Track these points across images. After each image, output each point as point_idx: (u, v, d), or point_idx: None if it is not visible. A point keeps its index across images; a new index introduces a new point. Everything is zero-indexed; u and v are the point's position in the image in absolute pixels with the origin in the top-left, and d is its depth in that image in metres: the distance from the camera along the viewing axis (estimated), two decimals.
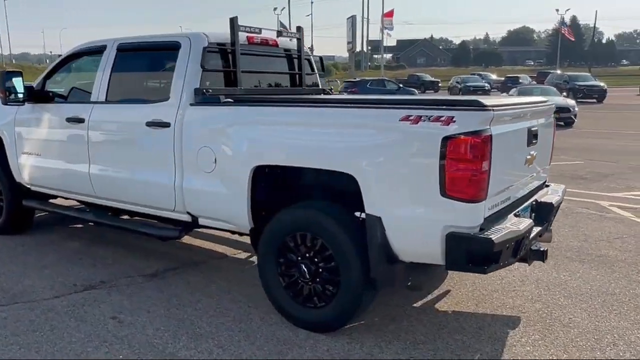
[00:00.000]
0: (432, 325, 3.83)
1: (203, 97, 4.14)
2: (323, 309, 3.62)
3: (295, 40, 5.15)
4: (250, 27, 4.59)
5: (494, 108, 3.08)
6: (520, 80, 39.62)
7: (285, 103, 3.98)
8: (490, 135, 3.03)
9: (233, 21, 4.39)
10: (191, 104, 4.14)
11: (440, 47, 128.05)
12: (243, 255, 5.34)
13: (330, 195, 3.80)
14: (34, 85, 5.25)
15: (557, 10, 55.79)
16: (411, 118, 3.13)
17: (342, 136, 3.39)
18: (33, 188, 5.55)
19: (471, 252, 3.08)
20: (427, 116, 3.09)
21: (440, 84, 46.58)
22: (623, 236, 5.99)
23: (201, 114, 4.09)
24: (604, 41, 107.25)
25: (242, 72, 4.46)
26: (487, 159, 3.03)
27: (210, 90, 4.20)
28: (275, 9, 56.75)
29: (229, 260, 5.19)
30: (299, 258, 3.67)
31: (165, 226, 4.62)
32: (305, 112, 3.64)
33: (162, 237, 4.65)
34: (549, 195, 4.20)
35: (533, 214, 3.96)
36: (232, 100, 4.09)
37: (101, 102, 4.73)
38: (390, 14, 40.27)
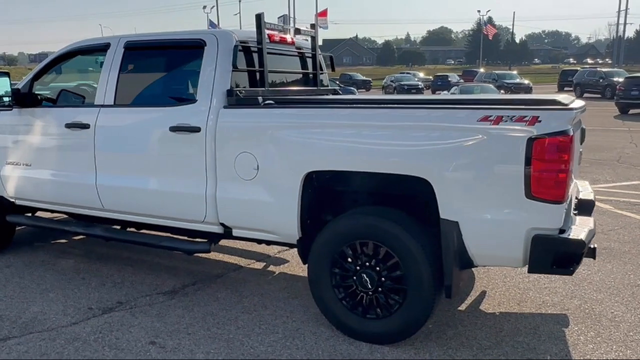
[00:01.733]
0: (489, 329, 3.77)
1: (237, 99, 3.86)
2: (387, 320, 3.46)
3: (300, 38, 4.94)
4: (273, 24, 4.33)
5: (573, 108, 3.04)
6: (449, 79, 40.95)
7: (342, 105, 3.77)
8: (573, 135, 2.99)
9: (260, 18, 4.13)
10: (225, 107, 3.84)
11: (365, 46, 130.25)
12: (258, 265, 5.07)
13: (387, 201, 3.63)
14: (20, 88, 4.71)
15: (479, 11, 58.28)
16: (491, 119, 3.03)
17: (414, 139, 3.24)
18: (18, 202, 4.99)
19: (558, 254, 3.03)
20: (508, 116, 3.00)
21: (372, 83, 47.22)
22: (615, 228, 6.21)
23: (239, 117, 3.80)
24: (517, 41, 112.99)
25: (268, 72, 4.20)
26: (571, 159, 2.99)
27: (244, 92, 3.92)
28: (204, 7, 55.54)
29: (248, 272, 4.89)
30: (358, 267, 3.48)
31: (191, 240, 4.27)
32: (371, 114, 3.45)
33: (190, 252, 4.30)
34: (585, 192, 4.25)
35: (577, 211, 3.99)
36: (273, 102, 3.83)
37: (109, 106, 4.31)
38: (324, 13, 40.32)
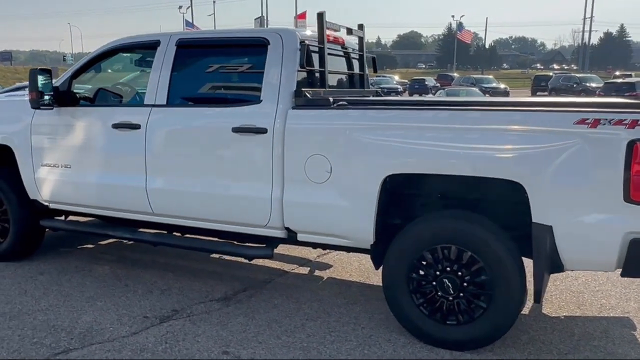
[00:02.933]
0: (560, 333, 3.74)
1: (306, 100, 3.75)
2: (469, 326, 3.39)
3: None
4: (330, 24, 4.23)
5: None
6: (426, 83, 41.37)
7: (424, 106, 3.69)
8: None
9: (321, 17, 4.03)
10: (293, 107, 3.73)
11: None
12: (302, 270, 4.95)
13: (465, 204, 3.58)
14: (58, 86, 4.49)
15: (453, 16, 59.07)
16: (588, 121, 3.00)
17: (507, 142, 3.18)
18: (53, 206, 4.76)
19: None
20: (606, 119, 2.98)
21: None
22: None
23: (310, 119, 3.69)
24: (486, 46, 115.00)
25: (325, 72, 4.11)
26: None
27: (311, 92, 3.81)
28: (180, 7, 54.84)
29: (295, 277, 4.77)
30: (438, 272, 3.41)
31: (251, 245, 4.12)
32: (459, 116, 3.37)
33: (251, 257, 4.16)
34: None
35: None
36: (346, 103, 3.74)
37: (161, 106, 4.14)
38: (303, 15, 40.18)
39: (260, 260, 5.07)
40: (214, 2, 62.69)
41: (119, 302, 4.16)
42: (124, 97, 4.83)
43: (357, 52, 4.93)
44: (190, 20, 52.73)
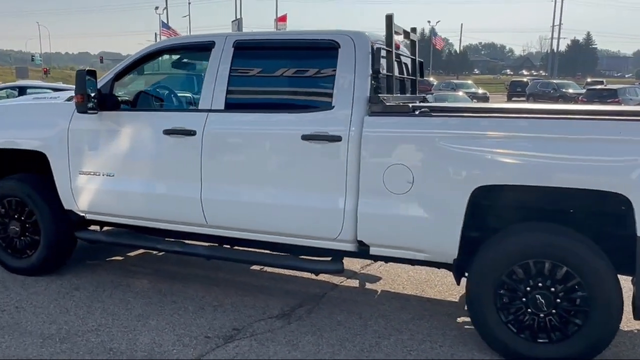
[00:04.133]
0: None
1: (384, 107, 3.56)
2: (563, 343, 3.24)
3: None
4: (397, 27, 4.06)
5: None
6: None
7: (516, 114, 3.53)
8: None
9: (391, 19, 3.84)
10: (370, 114, 3.53)
11: None
12: (351, 282, 4.74)
13: (552, 217, 3.43)
14: (100, 88, 4.19)
15: (429, 21, 59.66)
16: None
17: (610, 152, 3.05)
18: (89, 216, 4.45)
19: None
20: None
21: None
22: None
23: (390, 126, 3.50)
24: (459, 52, 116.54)
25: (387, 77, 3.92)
26: None
27: (387, 98, 3.63)
28: (156, 8, 53.95)
29: (347, 291, 4.56)
30: (529, 288, 3.26)
31: (316, 259, 3.90)
32: (563, 125, 3.23)
33: (319, 272, 3.94)
34: None
35: None
36: (428, 110, 3.56)
37: (218, 111, 3.89)
38: (283, 18, 39.99)
39: (305, 273, 4.86)
40: (189, 3, 61.79)
41: (172, 320, 3.88)
42: (165, 101, 4.55)
43: (409, 56, 4.76)
44: (166, 21, 51.89)
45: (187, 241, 4.30)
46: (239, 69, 3.91)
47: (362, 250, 3.69)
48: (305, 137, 3.60)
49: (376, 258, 3.79)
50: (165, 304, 4.17)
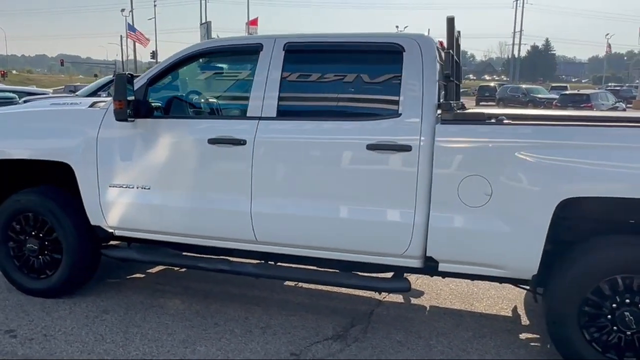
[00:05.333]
0: None
1: (455, 115, 3.36)
2: None
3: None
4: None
5: None
6: None
7: (605, 123, 3.37)
8: None
9: (452, 22, 3.64)
10: (442, 122, 3.33)
11: None
12: (394, 298, 4.50)
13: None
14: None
15: (397, 27, 59.98)
16: None
17: None
18: (119, 233, 4.10)
19: None
20: None
21: None
22: None
23: (464, 135, 3.29)
24: None
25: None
26: None
27: (456, 105, 3.43)
28: (122, 10, 52.75)
29: (393, 307, 4.33)
30: (615, 305, 3.10)
31: (380, 277, 3.66)
32: None
33: (385, 290, 3.71)
34: None
35: None
36: (504, 118, 3.37)
37: (270, 119, 3.62)
38: (255, 21, 39.60)
39: (342, 289, 4.60)
40: (155, 5, 60.68)
41: (222, 345, 3.58)
42: (201, 108, 4.25)
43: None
44: (134, 25, 50.82)
45: (232, 258, 3.99)
46: (291, 74, 3.65)
47: (430, 267, 3.47)
48: (371, 147, 3.37)
49: (444, 274, 3.57)
50: (207, 326, 3.85)
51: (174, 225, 3.88)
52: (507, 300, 4.49)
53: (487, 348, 3.63)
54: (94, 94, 12.72)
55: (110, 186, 3.95)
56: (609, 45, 53.21)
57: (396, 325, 3.96)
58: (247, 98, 3.76)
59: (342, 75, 3.61)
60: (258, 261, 3.90)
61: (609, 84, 59.37)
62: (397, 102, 3.41)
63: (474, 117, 3.39)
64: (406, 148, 3.32)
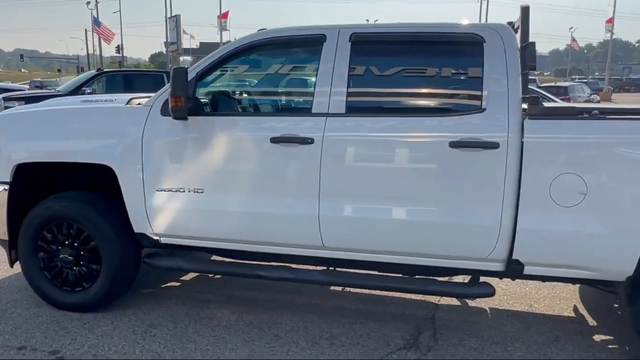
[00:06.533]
0: None
1: (543, 109, 3.17)
2: None
3: None
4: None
5: None
6: None
7: None
8: None
9: (527, 11, 3.46)
10: (530, 117, 3.14)
11: None
12: (449, 300, 4.32)
13: None
14: None
15: (367, 20, 59.98)
16: None
17: None
18: (165, 240, 3.79)
19: None
20: None
21: None
22: None
23: (556, 131, 3.12)
24: None
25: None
26: None
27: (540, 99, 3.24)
28: (88, 2, 51.00)
29: (453, 310, 4.14)
30: None
31: (456, 282, 3.46)
32: None
33: (471, 296, 3.50)
34: None
35: None
36: (598, 112, 3.21)
37: (339, 115, 3.37)
38: (225, 15, 38.91)
39: (384, 292, 4.36)
40: None
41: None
42: (256, 105, 3.97)
43: None
44: (96, 19, 49.34)
45: (294, 266, 3.73)
46: (359, 67, 3.40)
47: (513, 270, 3.29)
48: (454, 144, 3.16)
49: (527, 277, 3.40)
50: (269, 339, 3.59)
51: (230, 231, 3.60)
52: (563, 300, 4.36)
53: (567, 353, 3.48)
54: (76, 90, 12.15)
55: (157, 190, 3.63)
56: (574, 40, 54.32)
57: (464, 330, 3.78)
58: (309, 93, 3.50)
59: (416, 68, 3.39)
60: (322, 268, 3.64)
61: (573, 77, 60.80)
62: (479, 97, 3.21)
63: (564, 111, 3.23)
64: (493, 145, 3.12)
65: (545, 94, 9.42)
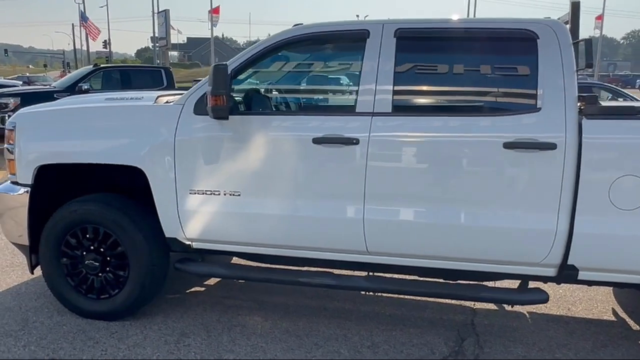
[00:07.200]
0: None
1: (601, 108, 3.06)
2: None
3: None
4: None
5: None
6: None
7: None
8: None
9: (578, 6, 3.34)
10: (588, 117, 3.02)
11: (230, 46, 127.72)
12: (485, 305, 4.20)
13: None
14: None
15: (358, 15, 59.98)
16: None
17: None
18: (197, 245, 3.62)
19: None
20: None
21: None
22: None
23: (617, 131, 3.01)
24: None
25: None
26: None
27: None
28: None
29: (491, 315, 4.02)
30: None
31: (510, 288, 3.34)
32: None
33: (524, 303, 3.37)
34: None
35: None
36: None
37: (385, 114, 3.22)
38: (217, 10, 38.51)
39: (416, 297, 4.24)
40: None
41: None
42: (293, 103, 3.81)
43: None
44: (83, 14, 48.59)
45: (336, 271, 3.58)
46: (405, 64, 3.26)
47: (567, 275, 3.18)
48: (508, 145, 3.03)
49: (580, 282, 3.28)
50: (309, 348, 3.44)
51: (268, 236, 3.44)
52: (600, 303, 4.26)
53: None
54: (73, 86, 11.87)
55: (190, 193, 3.46)
56: None
57: (507, 336, 3.66)
58: (351, 92, 3.35)
59: (466, 66, 3.25)
60: (365, 274, 3.50)
61: None
62: (534, 95, 3.08)
63: (624, 111, 3.11)
64: (550, 146, 2.99)
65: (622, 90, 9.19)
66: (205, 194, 3.44)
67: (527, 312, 4.08)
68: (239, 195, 3.40)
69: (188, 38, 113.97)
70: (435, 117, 3.22)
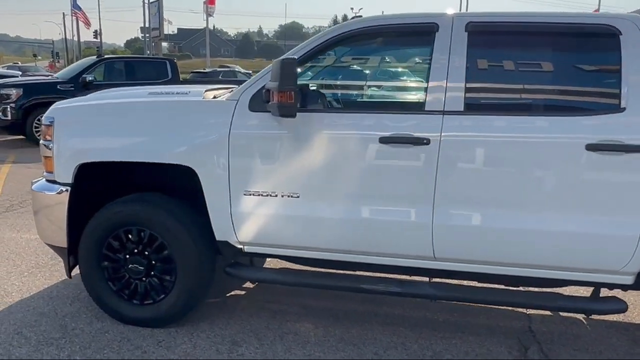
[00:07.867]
0: None
1: None
2: None
3: None
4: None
5: None
6: None
7: None
8: None
9: None
10: None
11: (221, 37, 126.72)
12: (539, 310, 4.06)
13: None
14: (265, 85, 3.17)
15: (352, 8, 59.56)
16: None
17: None
18: (249, 249, 3.43)
19: None
20: None
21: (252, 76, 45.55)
22: None
23: None
24: None
25: None
26: None
27: None
28: None
29: (547, 321, 3.87)
30: None
31: (586, 297, 3.20)
32: None
33: (604, 312, 3.22)
34: None
35: None
36: None
37: (457, 113, 3.04)
38: (212, 1, 38.04)
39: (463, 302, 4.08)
40: None
41: None
42: (344, 99, 3.63)
43: None
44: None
45: (402, 277, 3.41)
46: (478, 60, 3.08)
47: None
48: (591, 147, 2.87)
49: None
50: (369, 357, 3.27)
51: (328, 240, 3.26)
52: None
53: None
54: (77, 77, 11.56)
55: (245, 194, 3.27)
56: None
57: (571, 344, 3.52)
58: (419, 89, 3.17)
59: (542, 62, 3.08)
60: (430, 280, 3.34)
61: None
62: (617, 95, 2.92)
63: None
64: (637, 149, 2.83)
65: None
66: (261, 195, 3.25)
67: (583, 318, 3.94)
68: (298, 197, 3.21)
69: (179, 29, 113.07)
70: (510, 116, 3.03)
